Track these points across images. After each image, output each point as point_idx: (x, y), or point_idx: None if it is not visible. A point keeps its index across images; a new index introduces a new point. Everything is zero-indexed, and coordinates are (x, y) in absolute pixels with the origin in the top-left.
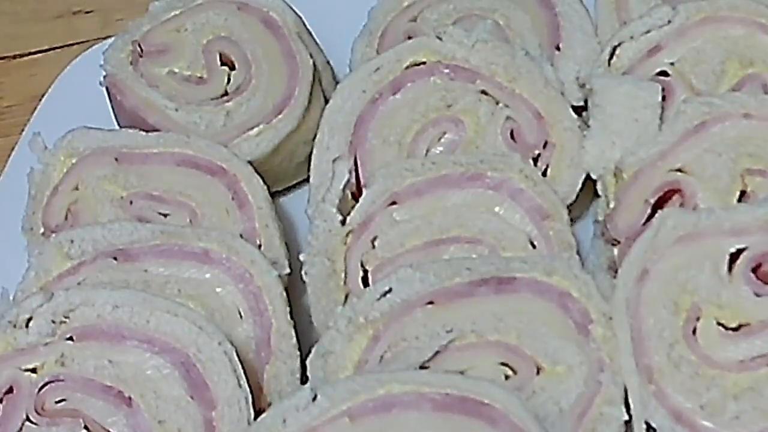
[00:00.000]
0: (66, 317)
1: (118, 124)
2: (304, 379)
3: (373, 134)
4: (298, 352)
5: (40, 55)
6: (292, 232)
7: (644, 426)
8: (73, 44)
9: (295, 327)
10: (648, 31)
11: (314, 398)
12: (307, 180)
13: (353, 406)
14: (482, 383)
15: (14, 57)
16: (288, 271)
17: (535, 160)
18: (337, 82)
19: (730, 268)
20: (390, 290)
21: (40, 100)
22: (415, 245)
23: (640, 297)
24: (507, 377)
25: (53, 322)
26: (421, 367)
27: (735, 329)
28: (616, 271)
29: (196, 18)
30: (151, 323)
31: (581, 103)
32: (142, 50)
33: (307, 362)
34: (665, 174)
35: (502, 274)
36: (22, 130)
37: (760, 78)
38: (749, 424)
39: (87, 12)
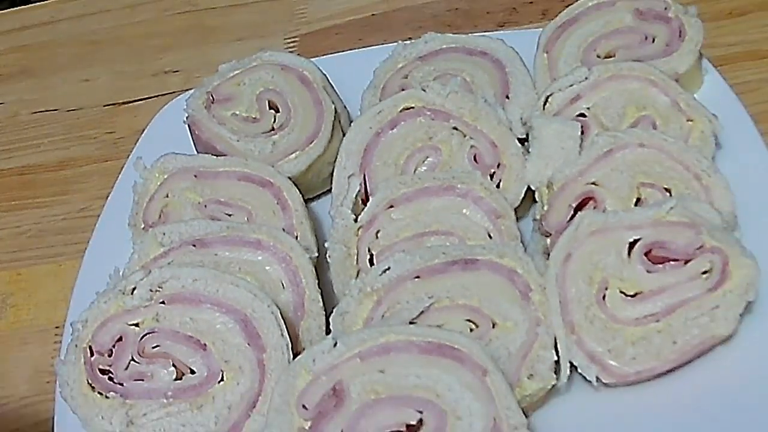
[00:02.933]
0: (159, 287)
1: (197, 151)
2: (328, 331)
3: (377, 158)
4: (324, 312)
5: (141, 102)
6: (320, 227)
7: (569, 364)
8: (164, 94)
9: (321, 294)
10: (571, 85)
11: (335, 345)
12: (330, 190)
13: (362, 350)
14: (453, 334)
15: (123, 103)
16: (316, 254)
17: (492, 176)
18: (351, 122)
19: (629, 253)
20: (389, 268)
21: (141, 133)
22: (406, 236)
23: (565, 273)
24: (471, 330)
25: (150, 290)
26: (411, 323)
27: (632, 296)
28: (548, 255)
29: (251, 75)
30: (219, 291)
31: (524, 136)
32: (213, 98)
33: (330, 319)
34: (583, 186)
35: (467, 257)
36: (128, 155)
37: (650, 118)
38: (642, 363)
39: (174, 71)
